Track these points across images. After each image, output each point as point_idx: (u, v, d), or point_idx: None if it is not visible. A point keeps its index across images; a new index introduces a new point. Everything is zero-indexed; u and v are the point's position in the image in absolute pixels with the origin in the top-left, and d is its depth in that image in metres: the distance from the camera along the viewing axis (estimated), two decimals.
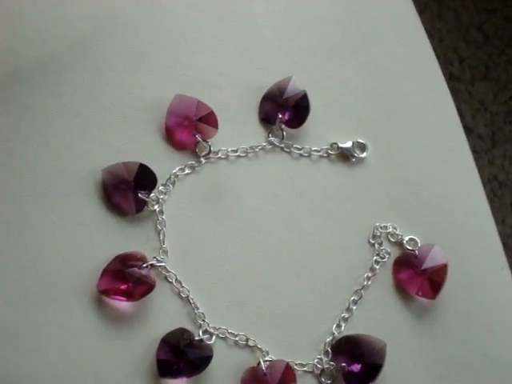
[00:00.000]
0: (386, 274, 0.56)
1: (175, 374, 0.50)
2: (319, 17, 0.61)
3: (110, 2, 0.58)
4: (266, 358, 0.52)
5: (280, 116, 0.57)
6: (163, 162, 0.55)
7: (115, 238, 0.53)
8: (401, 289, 0.55)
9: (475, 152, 1.16)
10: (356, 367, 0.52)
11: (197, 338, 0.51)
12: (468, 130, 1.17)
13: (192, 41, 0.59)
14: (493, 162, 1.17)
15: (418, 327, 0.54)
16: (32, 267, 0.51)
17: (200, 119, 0.56)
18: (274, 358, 0.52)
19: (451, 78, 1.23)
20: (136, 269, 0.51)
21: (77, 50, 0.56)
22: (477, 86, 1.22)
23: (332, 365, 0.52)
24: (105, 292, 0.51)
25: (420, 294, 0.55)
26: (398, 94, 0.60)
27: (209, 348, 0.51)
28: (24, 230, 0.52)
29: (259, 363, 0.51)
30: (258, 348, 0.52)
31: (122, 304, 0.51)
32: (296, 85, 0.58)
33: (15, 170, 0.53)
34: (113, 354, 0.50)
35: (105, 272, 0.51)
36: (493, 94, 1.22)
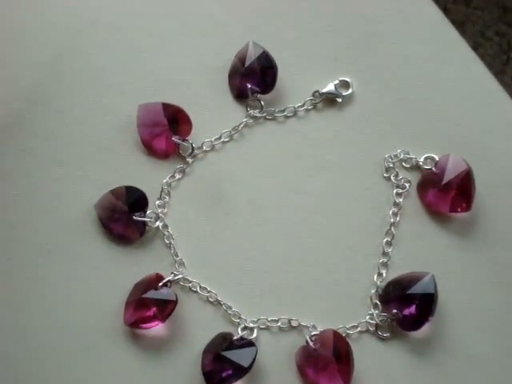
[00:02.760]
0: (413, 204, 0.52)
1: (225, 382, 0.47)
2: None
3: (49, 42, 0.56)
4: (314, 333, 0.49)
5: (250, 86, 0.54)
6: (152, 176, 0.53)
7: (129, 268, 0.51)
8: (433, 212, 0.51)
9: None
10: (410, 309, 0.48)
11: (236, 338, 0.48)
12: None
13: (141, 47, 0.56)
14: None
15: (462, 244, 0.50)
16: (59, 324, 0.50)
17: (171, 121, 0.53)
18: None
19: None
20: (154, 291, 0.49)
21: (34, 100, 0.55)
22: None
23: (385, 316, 0.49)
24: (134, 324, 0.49)
25: (454, 209, 0.50)
26: (367, 16, 0.56)
27: (251, 343, 0.48)
28: (41, 290, 0.50)
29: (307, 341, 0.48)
30: (303, 326, 0.49)
31: (154, 330, 0.49)
32: (255, 49, 0.55)
33: (16, 237, 0.52)
34: (162, 381, 0.49)
35: (127, 305, 0.49)
36: None
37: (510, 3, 1.11)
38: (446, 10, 0.99)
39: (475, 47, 0.99)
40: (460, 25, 1.02)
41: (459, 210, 0.50)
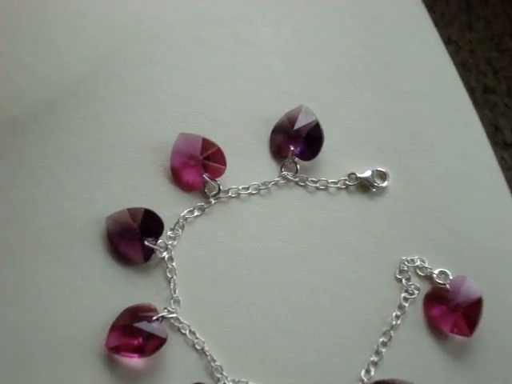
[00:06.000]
0: (416, 312, 0.51)
1: None
2: (328, 40, 0.58)
3: (105, 40, 0.55)
4: None
5: (292, 148, 0.54)
6: (171, 205, 0.52)
7: (124, 289, 0.50)
8: (433, 327, 0.51)
9: None
10: None
11: None
12: (508, 146, 1.12)
13: (194, 75, 0.56)
14: None
15: (454, 368, 0.50)
16: (37, 327, 0.48)
17: (207, 157, 0.52)
18: None
19: (486, 91, 1.18)
20: (146, 322, 0.48)
21: (73, 94, 0.53)
22: None
23: None
24: (114, 349, 0.47)
25: (455, 331, 0.50)
26: (417, 117, 0.56)
27: None
28: (27, 287, 0.48)
29: None
30: None
31: (133, 361, 0.48)
32: (307, 114, 0.54)
33: (15, 224, 0.50)
34: None
35: (113, 328, 0.48)
36: None
37: (503, 123, 1.15)
38: None
39: None
40: None
41: (460, 332, 0.50)
